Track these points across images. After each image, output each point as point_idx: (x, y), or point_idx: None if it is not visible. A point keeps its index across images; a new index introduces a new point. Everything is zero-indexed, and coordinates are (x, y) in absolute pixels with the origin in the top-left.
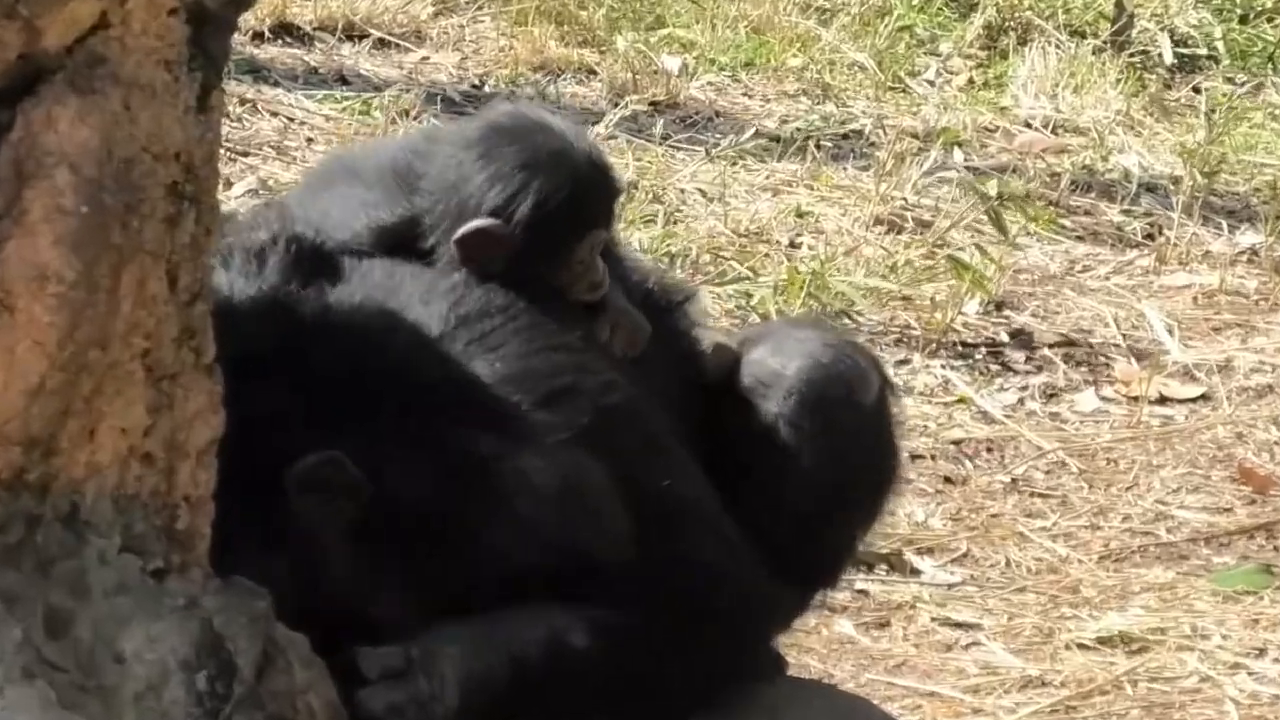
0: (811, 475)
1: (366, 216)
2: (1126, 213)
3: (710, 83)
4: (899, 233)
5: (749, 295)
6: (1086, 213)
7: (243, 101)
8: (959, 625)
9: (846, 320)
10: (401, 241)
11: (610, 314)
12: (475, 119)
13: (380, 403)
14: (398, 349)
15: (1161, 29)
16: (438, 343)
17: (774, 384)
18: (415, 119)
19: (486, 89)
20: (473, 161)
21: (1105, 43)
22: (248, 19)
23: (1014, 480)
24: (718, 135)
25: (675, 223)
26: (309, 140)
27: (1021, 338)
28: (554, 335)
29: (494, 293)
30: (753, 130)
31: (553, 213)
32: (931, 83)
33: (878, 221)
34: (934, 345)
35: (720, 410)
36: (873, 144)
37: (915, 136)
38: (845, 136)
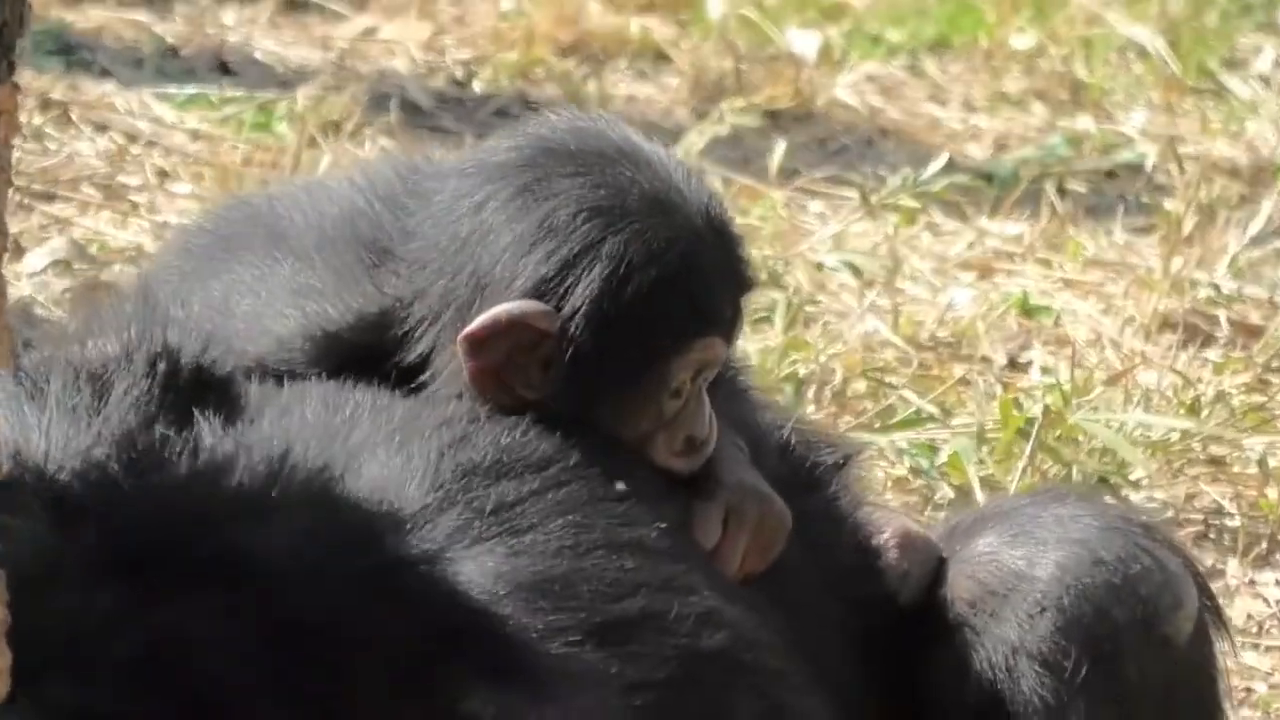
0: None
1: (301, 314)
2: None
3: (870, 77)
4: (1204, 345)
5: (933, 451)
6: None
7: (47, 104)
8: None
9: (1110, 498)
10: (364, 355)
11: (721, 492)
12: (502, 138)
13: (298, 646)
14: (339, 541)
15: None
16: (415, 521)
17: (1011, 594)
18: (353, 138)
19: (476, 87)
20: (501, 207)
21: None
22: None
23: None
24: (882, 169)
25: (806, 323)
26: (162, 174)
27: None
28: (622, 522)
29: (522, 436)
30: (944, 161)
31: (638, 301)
32: (1265, 79)
33: (1166, 325)
34: (1264, 546)
35: (912, 646)
36: (1159, 188)
37: (1234, 175)
38: (1110, 175)
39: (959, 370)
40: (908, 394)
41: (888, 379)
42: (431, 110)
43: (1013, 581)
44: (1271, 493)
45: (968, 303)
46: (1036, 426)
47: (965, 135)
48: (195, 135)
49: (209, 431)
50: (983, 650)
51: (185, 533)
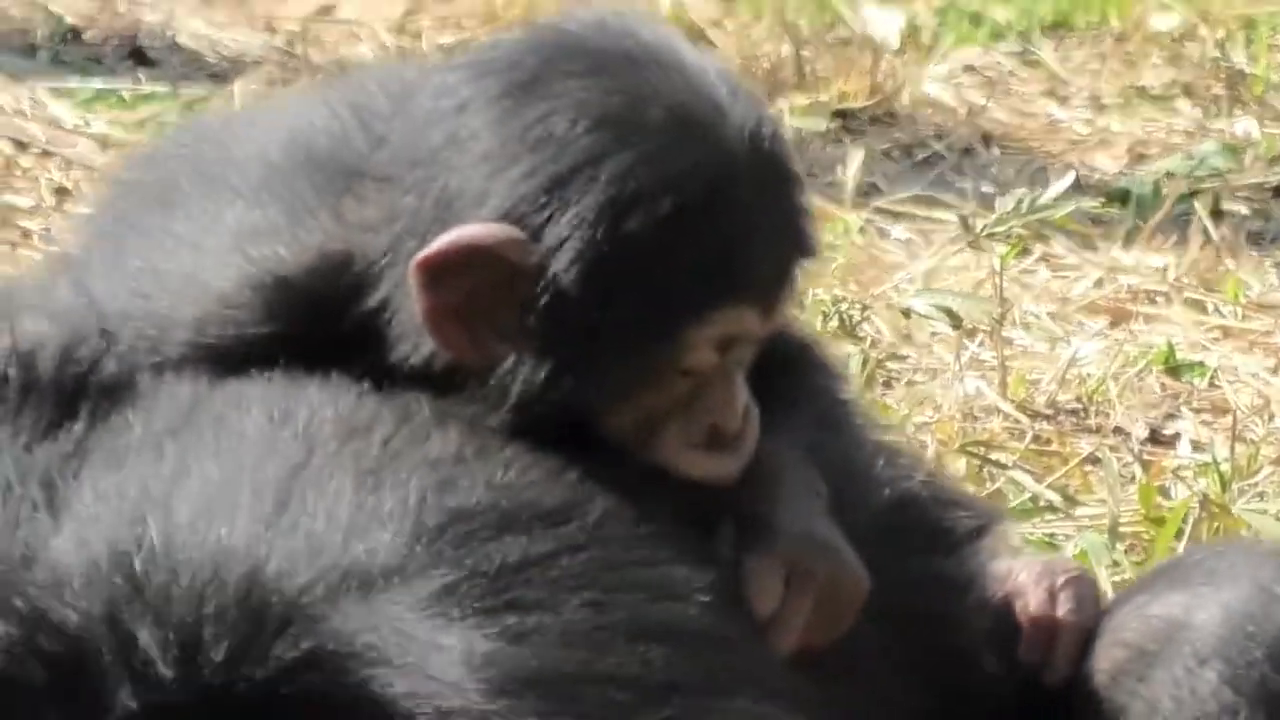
0: None
1: (245, 260)
2: None
3: (969, 67)
4: None
5: (1054, 549)
6: None
7: None
8: None
9: None
10: (323, 302)
11: (782, 544)
12: (509, 36)
13: None
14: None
15: None
16: (385, 581)
17: (1164, 649)
18: None
19: None
20: (484, 108)
21: None
22: None
23: None
24: (986, 186)
25: (888, 383)
26: (61, 192)
27: None
28: (653, 595)
29: (528, 470)
30: (1069, 180)
31: (643, 240)
32: None
33: None
34: None
35: None
36: None
37: None
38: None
39: (1085, 445)
40: (1020, 475)
41: (994, 455)
42: None
43: (1166, 633)
44: None
45: (1096, 357)
46: (1191, 521)
47: (1092, 142)
48: (103, 142)
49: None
50: None
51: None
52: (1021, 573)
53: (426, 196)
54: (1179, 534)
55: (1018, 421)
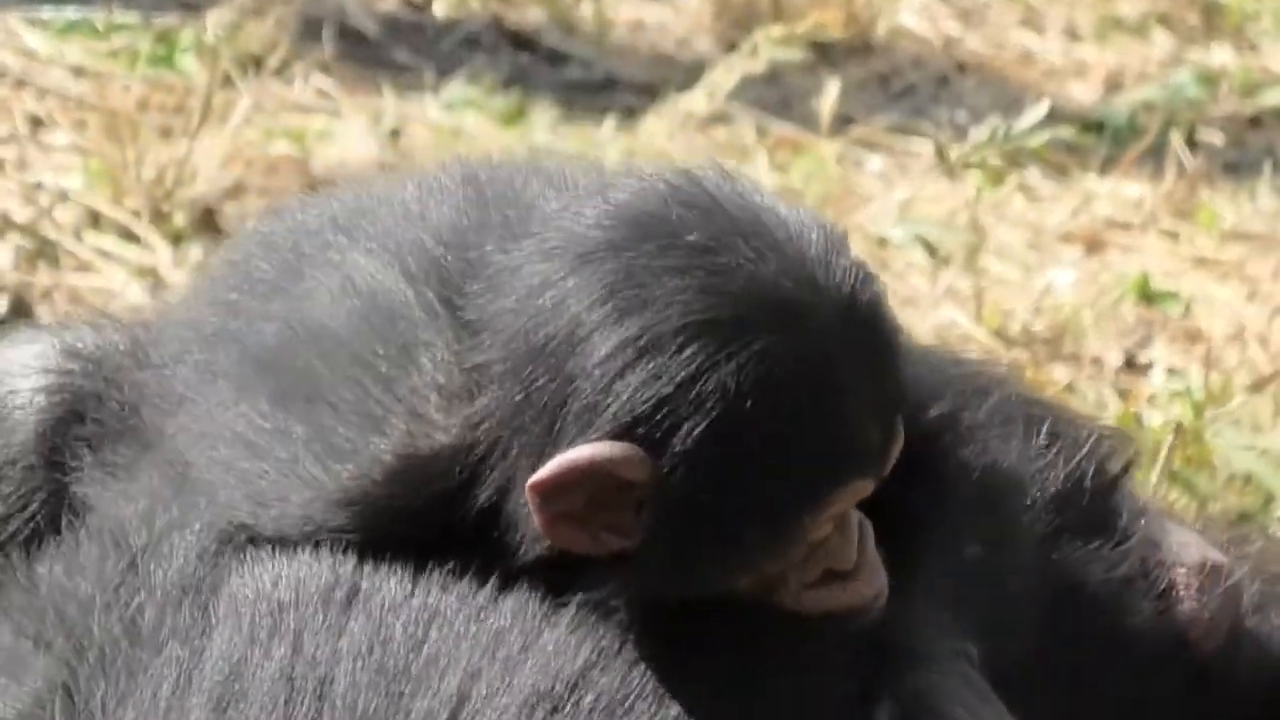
0: None
1: (323, 473)
2: None
3: None
4: None
5: None
6: None
7: None
8: None
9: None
10: (420, 509)
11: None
12: (586, 196)
13: None
14: None
15: None
16: None
17: None
18: (279, 75)
19: (438, 10)
20: (587, 311)
21: None
22: None
23: None
24: (961, 117)
25: None
26: (35, 122)
27: None
28: None
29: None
30: (1044, 109)
31: (759, 447)
32: None
33: None
34: None
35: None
36: None
37: None
38: (1255, 122)
39: (1061, 374)
40: None
41: None
42: (379, 40)
43: None
44: None
45: (1071, 287)
46: (1165, 448)
47: (1068, 72)
48: (77, 72)
49: None
50: None
51: None
52: (1178, 566)
53: (534, 404)
54: (1152, 459)
55: (993, 350)
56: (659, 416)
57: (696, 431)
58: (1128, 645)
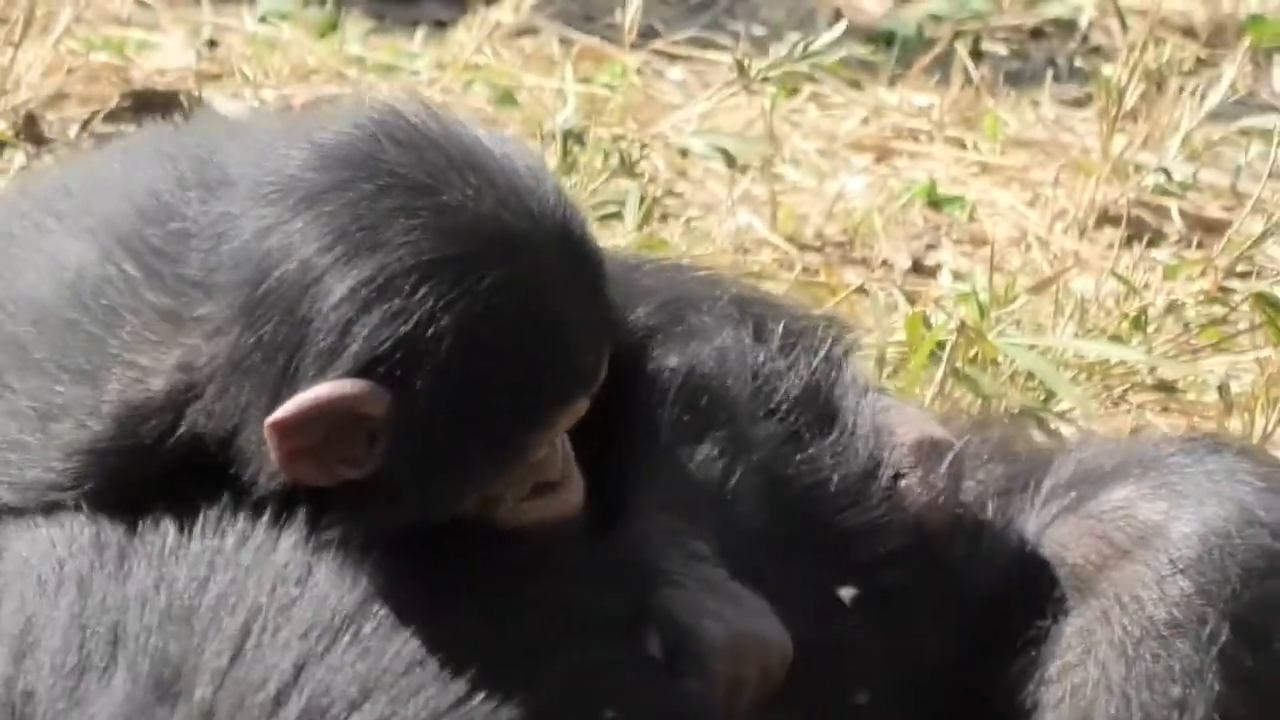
0: None
1: (45, 437)
2: None
3: None
4: (1152, 244)
5: None
6: None
7: None
8: None
9: (1039, 434)
10: (148, 456)
11: (712, 664)
12: (299, 138)
13: None
14: None
15: None
16: None
17: (1138, 551)
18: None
19: None
20: (320, 257)
21: None
22: None
23: None
24: (758, 30)
25: (664, 218)
26: None
27: None
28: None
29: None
30: (841, 28)
31: (489, 377)
32: None
33: (1106, 219)
34: None
35: (990, 633)
36: (1096, 50)
37: (1188, 34)
38: (1037, 33)
39: (852, 276)
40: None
41: (765, 286)
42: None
43: (1143, 537)
44: (1234, 425)
45: (862, 192)
46: (949, 347)
47: None
48: None
49: None
50: (1071, 627)
51: None
52: (900, 445)
53: (265, 346)
54: (938, 358)
55: (787, 254)
56: (398, 354)
57: (433, 366)
58: (866, 535)
